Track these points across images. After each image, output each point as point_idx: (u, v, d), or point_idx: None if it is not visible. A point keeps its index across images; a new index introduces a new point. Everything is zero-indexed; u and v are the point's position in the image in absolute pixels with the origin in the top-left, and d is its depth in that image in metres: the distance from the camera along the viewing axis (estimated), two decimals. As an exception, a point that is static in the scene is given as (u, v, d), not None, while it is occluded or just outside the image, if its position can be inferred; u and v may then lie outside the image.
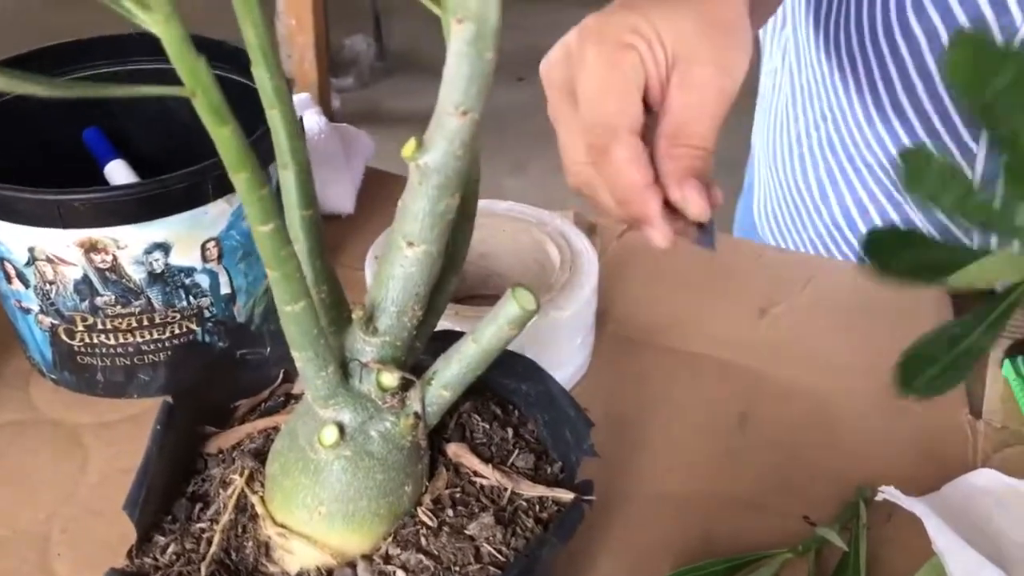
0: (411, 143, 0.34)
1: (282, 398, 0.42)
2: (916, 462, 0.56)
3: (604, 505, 0.53)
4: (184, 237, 0.52)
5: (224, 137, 0.30)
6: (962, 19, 0.60)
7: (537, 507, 0.38)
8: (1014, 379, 0.60)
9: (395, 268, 0.35)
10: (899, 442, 0.57)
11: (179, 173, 0.50)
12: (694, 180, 0.43)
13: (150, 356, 0.53)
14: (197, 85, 0.29)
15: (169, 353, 0.54)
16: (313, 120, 0.71)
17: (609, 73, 0.42)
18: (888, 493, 0.51)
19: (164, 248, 0.51)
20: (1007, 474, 0.54)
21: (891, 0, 0.65)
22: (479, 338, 0.35)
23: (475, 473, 0.39)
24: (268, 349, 0.43)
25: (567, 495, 0.38)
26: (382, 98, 2.53)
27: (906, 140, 0.67)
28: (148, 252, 0.51)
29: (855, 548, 0.49)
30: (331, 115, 2.88)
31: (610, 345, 0.64)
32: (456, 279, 0.38)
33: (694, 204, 0.43)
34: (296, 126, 0.35)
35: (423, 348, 0.38)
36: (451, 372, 0.36)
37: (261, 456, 0.39)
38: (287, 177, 0.35)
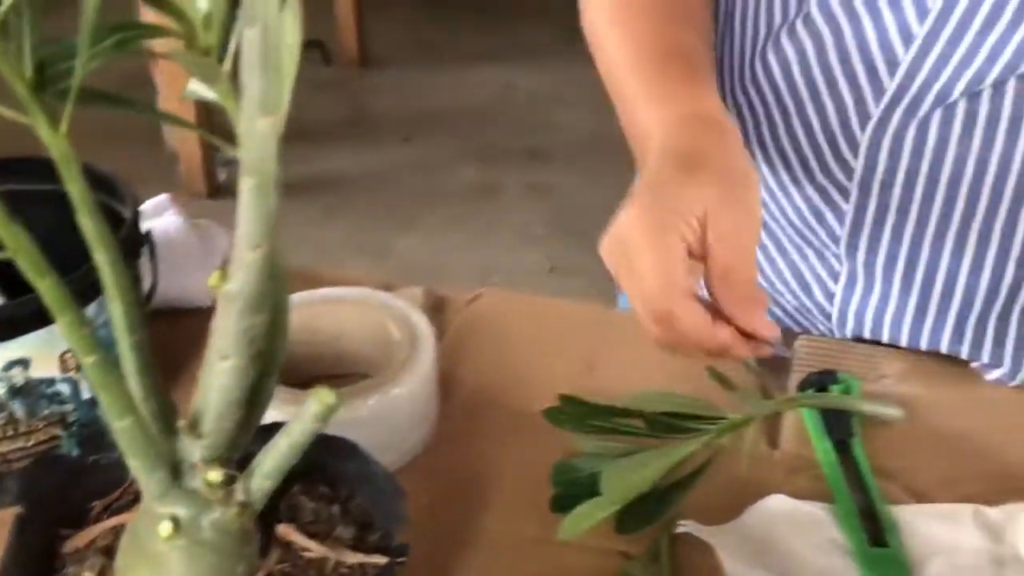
0: (216, 275, 0.40)
1: (132, 497, 0.48)
2: (722, 492, 0.63)
3: (448, 553, 0.59)
4: (42, 351, 0.56)
5: (46, 288, 0.36)
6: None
7: (358, 572, 0.44)
8: (808, 412, 0.68)
9: (212, 379, 0.40)
10: (708, 476, 0.64)
11: (31, 296, 0.54)
12: (757, 308, 0.53)
13: (16, 464, 0.58)
14: (18, 249, 0.35)
15: (34, 460, 0.58)
16: (170, 221, 0.77)
17: (658, 255, 0.52)
18: (687, 526, 0.58)
19: (23, 363, 0.56)
20: (799, 497, 0.62)
21: (747, 42, 0.73)
22: (290, 433, 0.41)
23: (303, 548, 0.44)
24: (118, 452, 0.48)
25: (382, 559, 0.44)
26: (269, 168, 2.56)
27: (785, 177, 0.75)
28: (7, 369, 0.55)
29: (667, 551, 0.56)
30: (216, 188, 2.90)
31: (458, 409, 0.70)
32: (273, 382, 0.44)
33: (763, 329, 0.53)
34: (120, 264, 0.41)
35: (251, 442, 0.44)
36: (269, 464, 0.41)
37: (111, 552, 0.44)
38: (114, 309, 0.41)
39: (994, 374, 0.73)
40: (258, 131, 0.36)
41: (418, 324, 0.67)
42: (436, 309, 0.80)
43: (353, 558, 0.44)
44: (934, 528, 0.60)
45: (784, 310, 0.82)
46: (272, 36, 0.36)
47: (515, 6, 3.46)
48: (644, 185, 0.56)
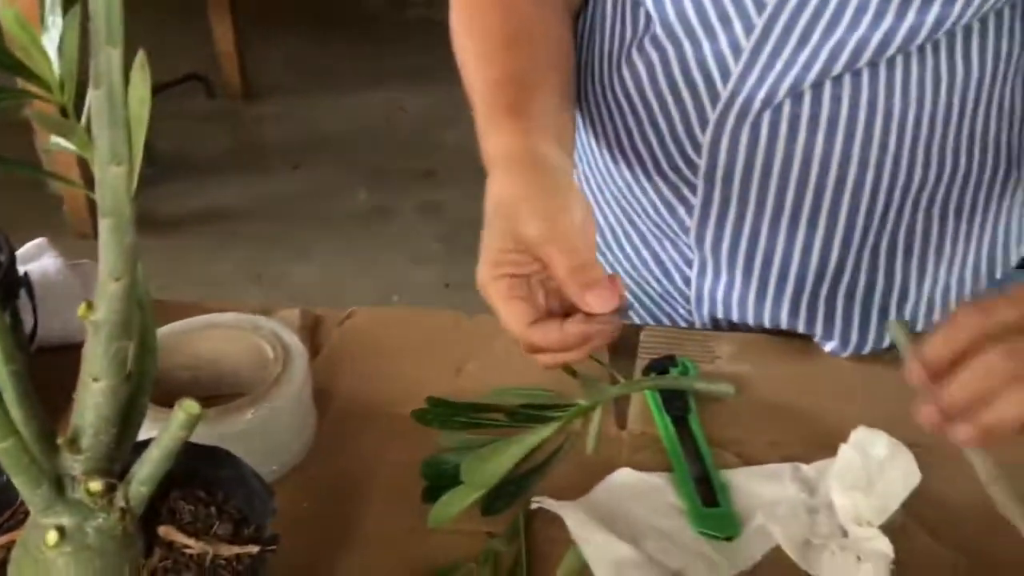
0: (83, 306, 0.45)
1: (22, 516, 0.52)
2: (576, 471, 0.70)
3: (330, 550, 0.65)
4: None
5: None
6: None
7: (235, 562, 0.49)
8: (650, 393, 0.76)
9: (87, 399, 0.45)
10: (563, 458, 0.71)
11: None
12: (592, 288, 0.60)
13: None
14: None
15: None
16: (48, 263, 0.80)
17: (502, 304, 0.63)
18: (540, 502, 0.65)
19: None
20: (643, 470, 0.70)
21: (608, 50, 0.80)
22: (160, 442, 0.46)
23: (184, 545, 0.49)
24: (5, 476, 0.52)
25: (254, 548, 0.49)
26: (155, 205, 2.56)
27: (641, 174, 0.82)
28: None
29: (519, 550, 0.63)
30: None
31: (335, 419, 0.76)
32: (146, 399, 0.49)
33: (597, 301, 0.60)
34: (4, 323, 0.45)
35: (129, 455, 0.49)
36: (144, 472, 0.47)
37: (4, 566, 0.48)
38: (-9, 344, 0.46)
39: (828, 346, 0.82)
40: (110, 179, 0.41)
41: (290, 343, 0.73)
42: (313, 329, 0.86)
43: (229, 551, 0.49)
44: (758, 487, 0.68)
45: (650, 297, 0.90)
46: (117, 95, 0.41)
47: (399, 29, 3.52)
48: (483, 237, 0.65)
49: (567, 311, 0.63)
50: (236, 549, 0.49)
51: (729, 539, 0.64)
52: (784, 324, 0.83)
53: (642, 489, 0.68)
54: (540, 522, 0.66)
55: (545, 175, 0.65)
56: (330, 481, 0.70)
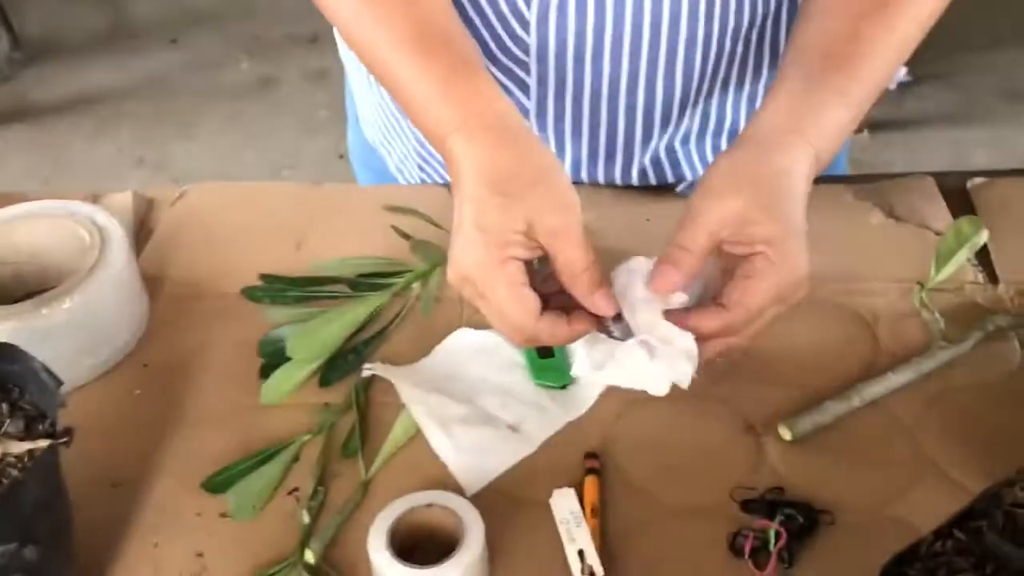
0: None
1: None
2: (418, 337, 0.69)
3: (162, 434, 0.63)
4: None
5: None
6: None
7: (26, 459, 0.48)
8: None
9: None
10: (403, 326, 0.70)
11: None
12: (601, 296, 0.57)
13: None
14: None
15: None
16: None
17: (505, 290, 0.56)
18: (372, 368, 0.64)
19: None
20: (483, 328, 0.69)
21: None
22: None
23: (-30, 447, 0.48)
24: None
25: (45, 443, 0.48)
26: (27, 90, 2.42)
27: None
28: None
29: (357, 419, 0.62)
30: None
31: (169, 303, 0.73)
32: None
33: (604, 303, 0.57)
34: None
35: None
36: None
37: None
38: None
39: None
40: None
41: (106, 226, 0.69)
42: (146, 212, 0.82)
43: (19, 448, 0.48)
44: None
45: None
46: None
47: None
48: (468, 219, 0.57)
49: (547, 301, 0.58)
50: (27, 445, 0.47)
51: (564, 387, 0.65)
52: (619, 182, 0.82)
53: (481, 346, 0.68)
54: (377, 389, 0.65)
55: (527, 143, 0.59)
56: (163, 367, 0.68)
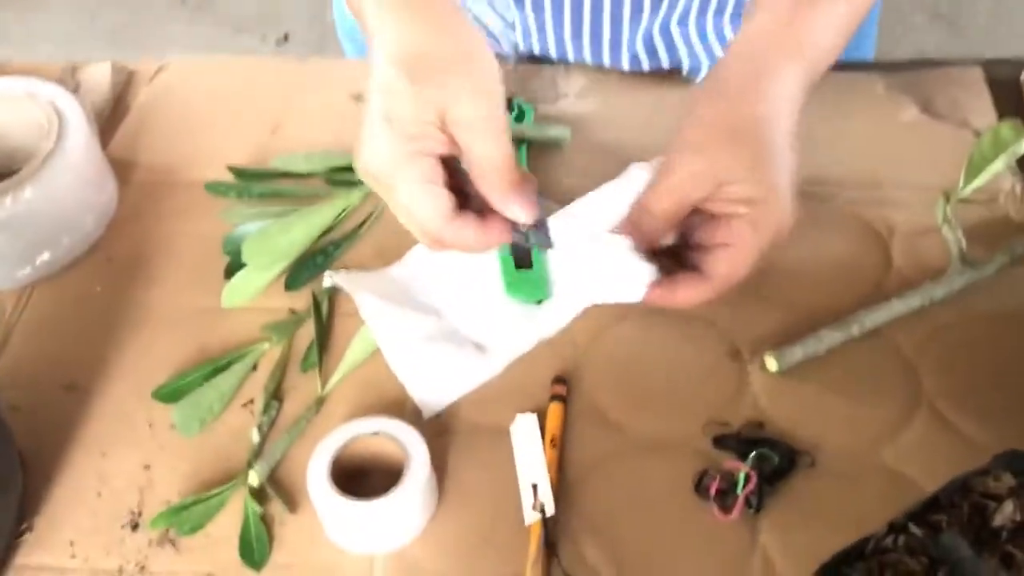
0: None
1: None
2: (393, 237, 0.65)
3: (119, 333, 0.61)
4: None
5: None
6: None
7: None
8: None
9: None
10: (378, 221, 0.66)
11: None
12: (517, 199, 0.50)
13: None
14: None
15: None
16: None
17: (413, 187, 0.49)
18: (333, 277, 0.61)
19: None
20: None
21: None
22: None
23: None
24: None
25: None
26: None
27: None
28: None
29: (317, 331, 0.59)
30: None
31: (138, 190, 0.70)
32: None
33: (523, 210, 0.50)
34: None
35: None
36: None
37: None
38: None
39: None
40: None
41: (64, 110, 0.65)
42: (125, 86, 0.77)
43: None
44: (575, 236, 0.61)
45: None
46: None
47: None
48: (377, 109, 0.49)
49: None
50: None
51: (540, 303, 0.60)
52: (626, 66, 0.74)
53: (452, 253, 0.63)
54: (343, 297, 0.61)
55: (450, 19, 0.51)
56: (128, 261, 0.65)
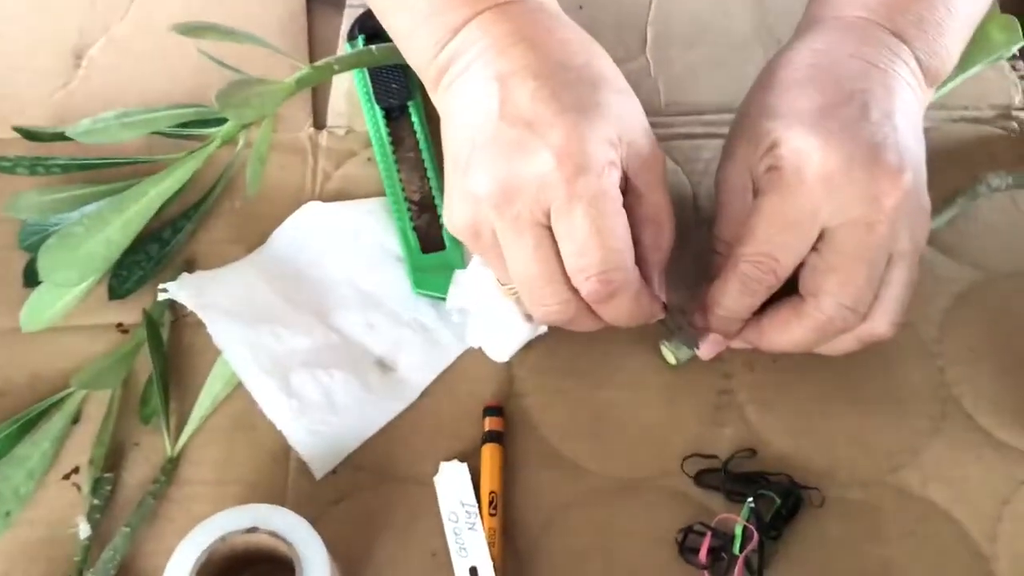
0: None
1: None
2: (248, 216, 0.49)
3: None
4: None
5: None
6: None
7: None
8: (357, 76, 0.53)
9: None
10: (226, 194, 0.49)
11: None
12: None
13: None
14: None
15: None
16: None
17: (608, 206, 0.37)
18: (166, 290, 0.44)
19: None
20: (352, 187, 0.49)
21: None
22: None
23: None
24: None
25: None
26: None
27: None
28: None
29: (155, 365, 0.43)
30: None
31: None
32: None
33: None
34: None
35: None
36: None
37: None
38: None
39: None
40: None
41: None
42: None
43: None
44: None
45: None
46: None
47: None
48: (512, 115, 0.37)
49: None
50: None
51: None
52: None
53: (338, 229, 0.48)
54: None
55: (576, 31, 0.41)
56: None
